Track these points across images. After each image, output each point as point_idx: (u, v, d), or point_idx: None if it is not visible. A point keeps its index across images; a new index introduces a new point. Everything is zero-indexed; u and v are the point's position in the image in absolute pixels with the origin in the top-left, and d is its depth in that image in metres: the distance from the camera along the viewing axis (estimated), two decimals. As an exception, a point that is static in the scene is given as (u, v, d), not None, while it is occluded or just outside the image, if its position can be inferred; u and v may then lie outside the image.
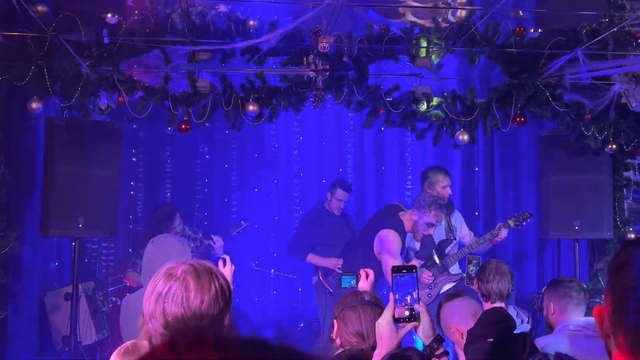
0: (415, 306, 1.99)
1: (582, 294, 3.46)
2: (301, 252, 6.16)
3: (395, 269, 2.02)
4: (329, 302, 5.81)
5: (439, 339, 2.06)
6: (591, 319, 2.46)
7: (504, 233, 5.46)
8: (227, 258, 3.10)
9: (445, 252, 5.68)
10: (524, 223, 5.53)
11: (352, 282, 3.15)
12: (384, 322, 1.99)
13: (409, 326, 2.00)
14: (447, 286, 5.53)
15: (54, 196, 4.86)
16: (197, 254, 5.64)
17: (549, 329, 3.53)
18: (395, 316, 1.98)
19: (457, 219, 5.90)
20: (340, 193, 6.17)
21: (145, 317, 1.70)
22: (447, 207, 5.75)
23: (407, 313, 1.98)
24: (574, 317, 3.34)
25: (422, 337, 2.05)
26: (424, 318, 2.02)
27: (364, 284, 3.08)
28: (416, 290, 2.00)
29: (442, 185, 5.68)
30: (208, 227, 6.62)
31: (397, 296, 1.99)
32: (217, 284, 1.70)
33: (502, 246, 6.68)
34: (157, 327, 1.65)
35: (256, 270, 6.74)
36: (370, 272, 3.19)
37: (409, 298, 1.98)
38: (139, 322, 2.84)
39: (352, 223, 6.42)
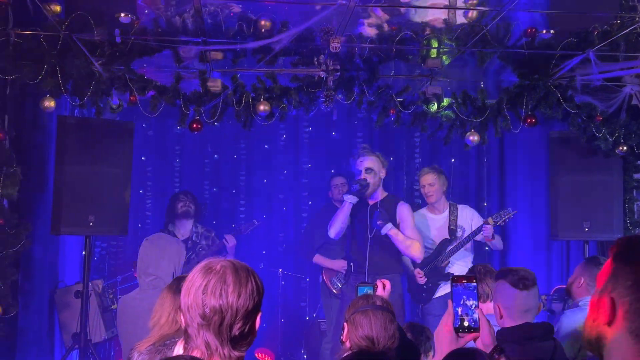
0: (474, 316, 1.94)
1: None
2: (309, 252, 6.16)
3: (455, 279, 1.98)
4: (335, 303, 5.81)
5: (499, 349, 2.00)
6: None
7: (487, 231, 5.35)
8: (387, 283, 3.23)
9: (446, 252, 5.63)
10: (506, 220, 5.38)
11: (368, 292, 3.15)
12: (444, 329, 1.94)
13: (469, 337, 1.95)
14: (444, 288, 5.40)
15: (65, 194, 4.88)
16: (209, 252, 5.67)
17: (568, 295, 3.96)
18: (454, 325, 1.94)
19: (466, 216, 5.63)
20: (336, 179, 6.26)
21: (182, 308, 1.76)
22: (442, 206, 5.65)
23: (465, 323, 1.93)
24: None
25: (481, 346, 2.01)
26: (483, 327, 1.96)
27: (381, 294, 3.08)
28: (475, 300, 1.95)
29: (422, 185, 5.63)
30: (216, 225, 6.63)
31: (458, 306, 1.95)
32: (253, 281, 1.77)
33: (510, 247, 6.67)
34: (195, 316, 1.72)
35: (263, 269, 6.75)
36: (387, 282, 3.20)
37: (471, 304, 1.94)
38: (152, 320, 2.84)
39: None
